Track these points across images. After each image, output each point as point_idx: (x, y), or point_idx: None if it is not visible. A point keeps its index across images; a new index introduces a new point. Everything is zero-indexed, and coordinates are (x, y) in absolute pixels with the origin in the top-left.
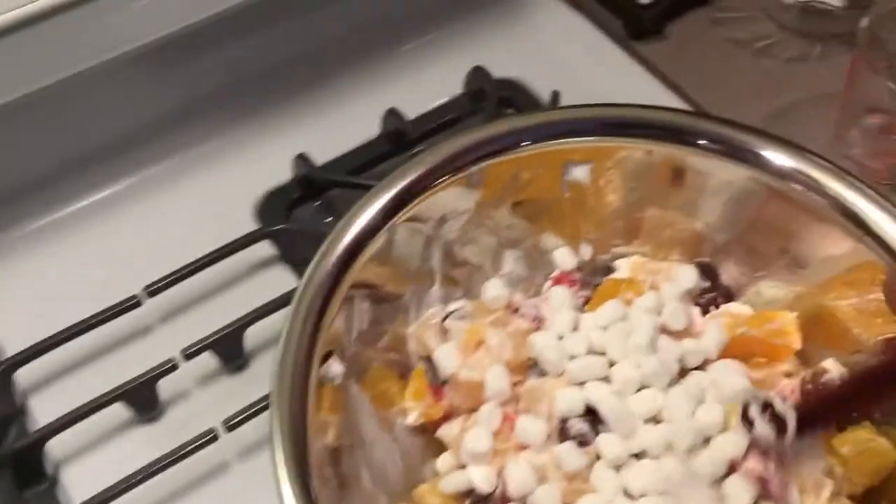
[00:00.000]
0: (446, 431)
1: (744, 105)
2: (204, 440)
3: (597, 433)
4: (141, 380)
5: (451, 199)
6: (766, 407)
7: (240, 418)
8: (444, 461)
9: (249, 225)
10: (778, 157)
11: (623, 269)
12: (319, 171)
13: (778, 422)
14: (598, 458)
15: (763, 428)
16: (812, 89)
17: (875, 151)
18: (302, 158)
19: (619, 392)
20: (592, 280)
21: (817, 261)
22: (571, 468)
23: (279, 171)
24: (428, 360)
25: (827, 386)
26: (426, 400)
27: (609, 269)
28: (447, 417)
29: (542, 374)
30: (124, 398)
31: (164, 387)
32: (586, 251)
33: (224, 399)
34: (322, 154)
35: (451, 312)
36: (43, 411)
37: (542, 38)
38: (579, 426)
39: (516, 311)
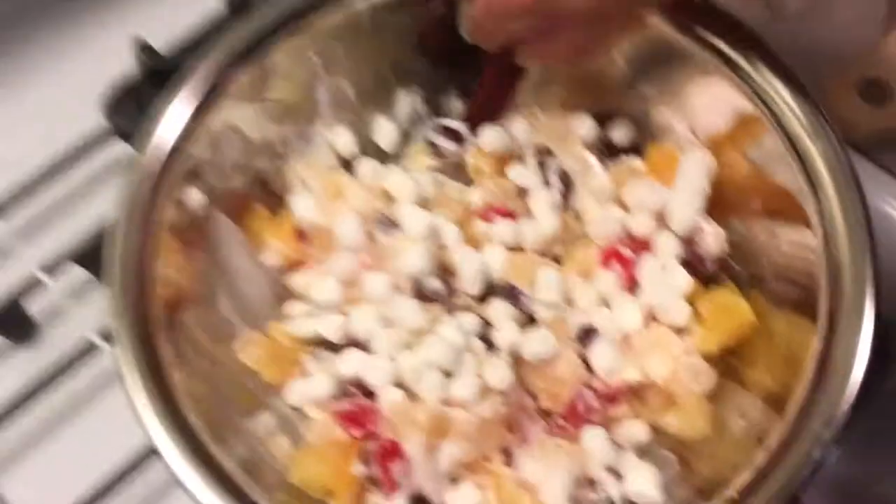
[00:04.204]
0: (296, 280)
1: None
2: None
3: (451, 292)
4: (5, 301)
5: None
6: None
7: None
8: (293, 306)
9: (99, 125)
10: None
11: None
12: (167, 63)
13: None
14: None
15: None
16: None
17: None
18: (145, 49)
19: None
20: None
21: (706, 119)
22: (414, 324)
23: (122, 62)
24: None
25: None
26: (290, 242)
27: None
28: (306, 263)
29: (394, 228)
30: None
31: (36, 308)
32: None
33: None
34: (165, 35)
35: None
36: None
37: None
38: (434, 285)
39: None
